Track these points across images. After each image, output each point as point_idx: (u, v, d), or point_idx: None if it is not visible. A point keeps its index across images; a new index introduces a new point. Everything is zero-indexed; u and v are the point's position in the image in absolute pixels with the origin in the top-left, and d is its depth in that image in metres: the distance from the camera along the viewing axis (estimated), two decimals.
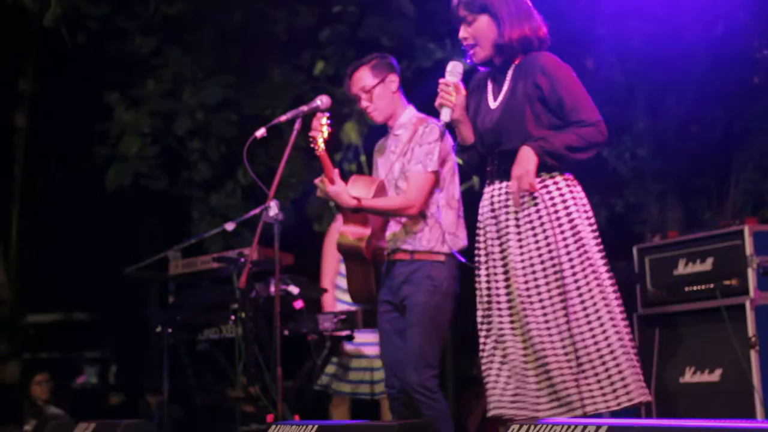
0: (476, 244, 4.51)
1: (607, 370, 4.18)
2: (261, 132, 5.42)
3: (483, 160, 4.50)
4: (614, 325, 4.22)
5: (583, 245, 4.26)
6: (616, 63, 10.13)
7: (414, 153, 5.25)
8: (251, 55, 11.39)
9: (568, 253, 4.23)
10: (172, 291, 7.10)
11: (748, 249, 5.90)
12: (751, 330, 5.78)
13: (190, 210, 11.13)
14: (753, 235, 5.91)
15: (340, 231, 5.44)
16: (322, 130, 5.19)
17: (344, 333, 6.31)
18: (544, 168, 4.27)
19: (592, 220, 4.35)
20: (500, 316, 4.33)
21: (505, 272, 4.32)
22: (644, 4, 9.66)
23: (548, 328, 4.21)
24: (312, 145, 5.20)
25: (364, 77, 5.53)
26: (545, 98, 4.32)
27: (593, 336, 4.19)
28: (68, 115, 11.76)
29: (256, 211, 5.73)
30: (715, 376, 5.98)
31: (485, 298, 4.42)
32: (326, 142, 5.22)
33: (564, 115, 4.31)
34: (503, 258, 4.33)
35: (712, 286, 6.04)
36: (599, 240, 4.33)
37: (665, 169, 9.87)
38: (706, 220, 9.67)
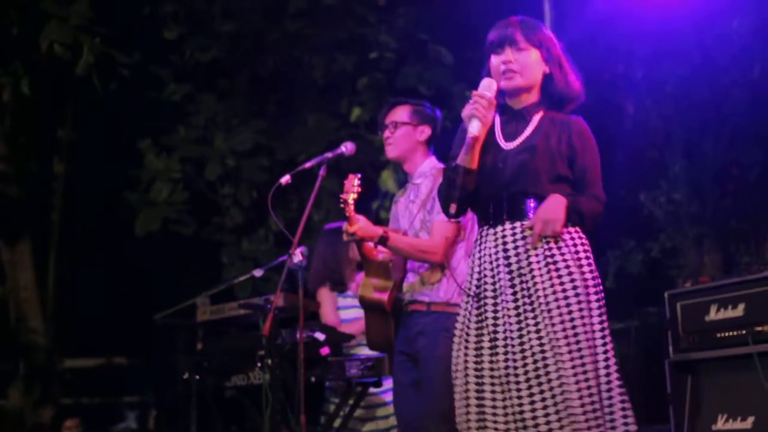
0: (480, 284, 4.33)
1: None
2: (285, 179, 5.42)
3: (478, 198, 4.39)
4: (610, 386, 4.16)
5: (600, 297, 4.21)
6: (652, 107, 10.09)
7: (435, 203, 5.21)
8: (286, 101, 11.46)
9: (589, 302, 4.17)
10: (200, 337, 7.09)
11: None
12: None
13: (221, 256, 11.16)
14: None
15: (363, 283, 5.42)
16: (354, 191, 5.18)
17: (371, 380, 6.26)
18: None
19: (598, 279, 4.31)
20: (514, 357, 4.18)
21: (517, 314, 4.20)
22: (679, 48, 9.63)
23: (575, 373, 4.08)
24: (342, 205, 5.18)
25: (401, 112, 5.57)
26: (574, 161, 4.30)
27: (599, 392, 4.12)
28: (103, 162, 11.86)
29: (283, 258, 5.72)
30: (748, 423, 5.88)
31: (491, 340, 4.24)
32: (356, 201, 5.21)
33: (581, 184, 4.31)
34: (515, 300, 4.22)
35: (743, 332, 5.95)
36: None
37: (702, 213, 9.80)
38: (745, 264, 9.57)
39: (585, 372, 4.09)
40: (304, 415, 5.29)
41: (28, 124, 11.66)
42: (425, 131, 5.54)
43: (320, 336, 6.11)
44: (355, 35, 11.25)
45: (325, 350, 6.09)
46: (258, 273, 6.74)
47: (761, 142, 9.67)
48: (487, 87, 4.32)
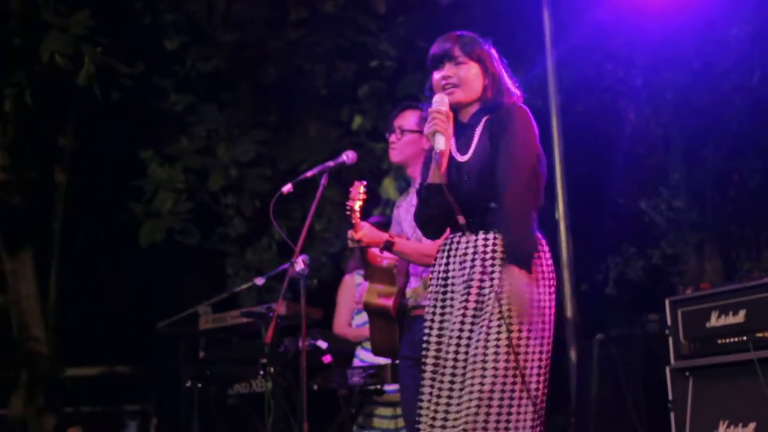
0: (436, 290, 4.43)
1: None
2: (287, 188, 5.44)
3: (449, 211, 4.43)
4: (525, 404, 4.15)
5: (542, 314, 4.21)
6: (652, 113, 10.10)
7: None
8: (288, 111, 11.47)
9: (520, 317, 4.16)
10: (203, 346, 7.13)
11: None
12: None
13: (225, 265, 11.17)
14: None
15: (368, 289, 5.44)
16: (359, 198, 5.21)
17: (373, 387, 6.28)
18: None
19: (553, 297, 4.28)
20: (445, 361, 4.29)
21: (462, 322, 4.26)
22: (679, 55, 9.64)
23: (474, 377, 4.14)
24: (348, 212, 5.21)
25: (409, 118, 5.58)
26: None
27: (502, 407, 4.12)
28: (105, 172, 11.86)
29: (285, 266, 5.74)
30: (749, 429, 5.91)
31: (435, 350, 4.35)
32: (362, 209, 5.24)
33: (498, 158, 4.25)
34: (465, 308, 4.28)
35: (744, 338, 5.98)
36: (552, 311, 4.27)
37: (702, 219, 9.79)
38: (745, 270, 9.56)
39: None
40: (306, 422, 5.30)
41: (30, 134, 11.66)
42: None
43: (322, 344, 6.15)
44: (356, 43, 11.26)
45: (327, 358, 6.12)
46: (259, 281, 6.78)
47: (762, 149, 9.68)
48: (441, 102, 4.37)
